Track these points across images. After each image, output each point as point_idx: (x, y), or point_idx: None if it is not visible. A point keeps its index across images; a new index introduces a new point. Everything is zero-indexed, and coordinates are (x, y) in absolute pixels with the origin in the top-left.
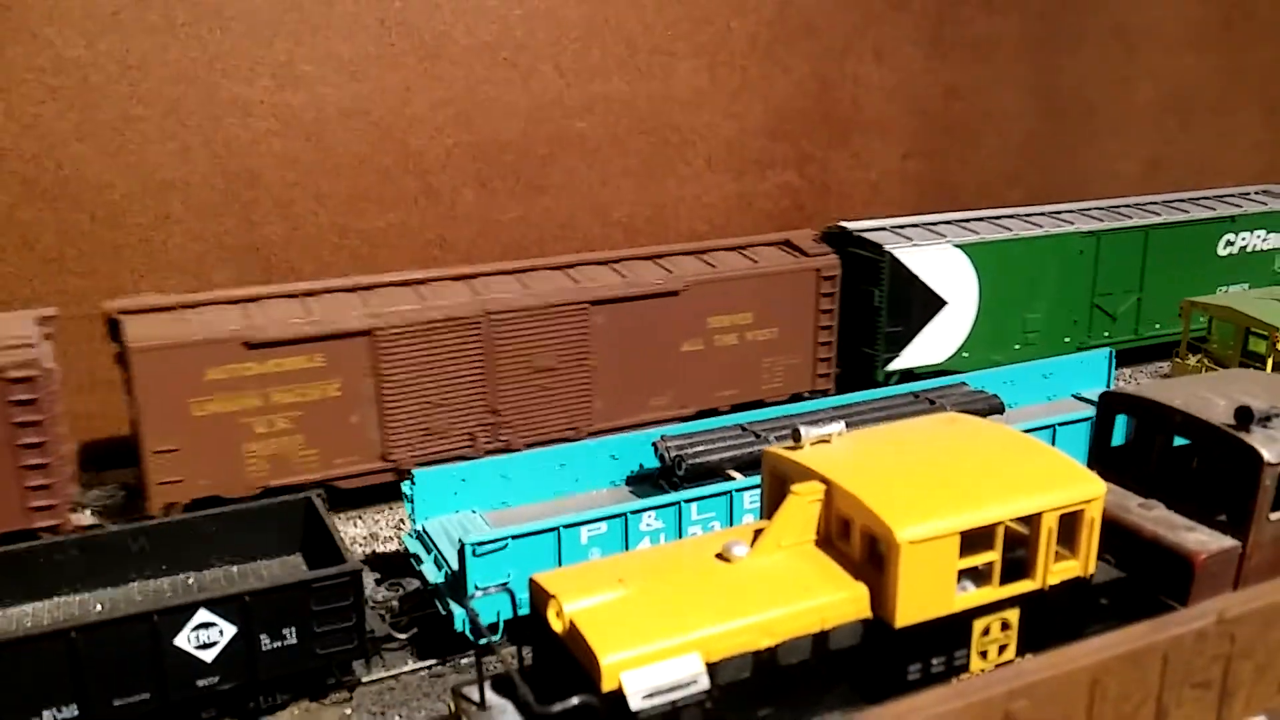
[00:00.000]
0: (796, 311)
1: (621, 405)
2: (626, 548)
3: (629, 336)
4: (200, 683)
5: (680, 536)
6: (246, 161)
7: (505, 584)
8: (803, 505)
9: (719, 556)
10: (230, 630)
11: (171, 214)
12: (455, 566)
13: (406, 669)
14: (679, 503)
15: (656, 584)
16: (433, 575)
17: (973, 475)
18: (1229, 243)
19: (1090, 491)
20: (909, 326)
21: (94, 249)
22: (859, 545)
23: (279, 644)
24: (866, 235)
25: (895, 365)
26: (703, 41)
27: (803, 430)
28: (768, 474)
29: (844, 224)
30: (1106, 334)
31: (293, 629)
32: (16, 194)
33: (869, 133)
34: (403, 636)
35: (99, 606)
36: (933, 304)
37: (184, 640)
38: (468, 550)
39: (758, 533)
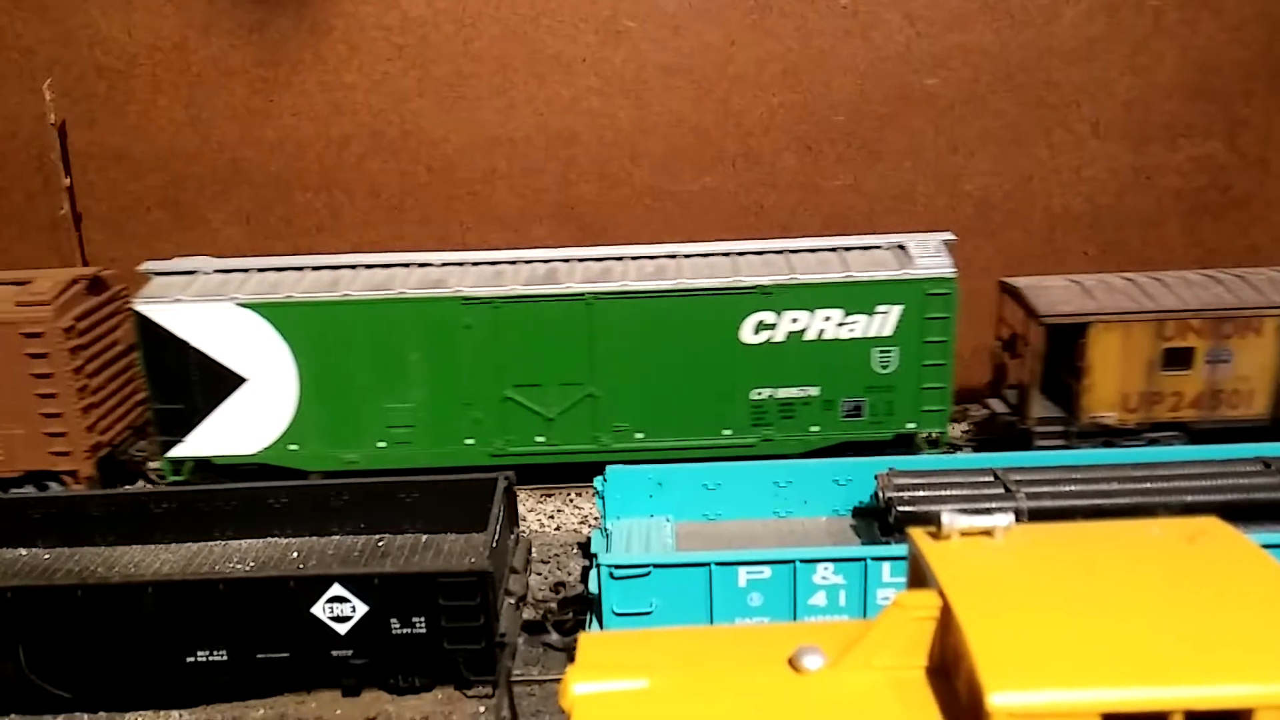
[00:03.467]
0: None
1: None
2: (794, 599)
3: None
4: (334, 653)
5: (865, 600)
6: (566, 120)
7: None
8: (907, 621)
9: (791, 662)
10: (362, 608)
11: (497, 169)
12: (594, 586)
13: (553, 676)
14: (865, 559)
15: (689, 683)
16: (593, 584)
17: (1174, 627)
18: (763, 324)
19: None
20: (191, 405)
21: (429, 199)
22: (966, 694)
23: (408, 630)
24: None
25: (180, 452)
26: None
27: (948, 518)
28: (911, 559)
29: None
30: (541, 439)
31: (423, 619)
32: (367, 145)
33: None
34: (556, 640)
35: (297, 553)
36: (222, 378)
37: (320, 610)
38: (603, 571)
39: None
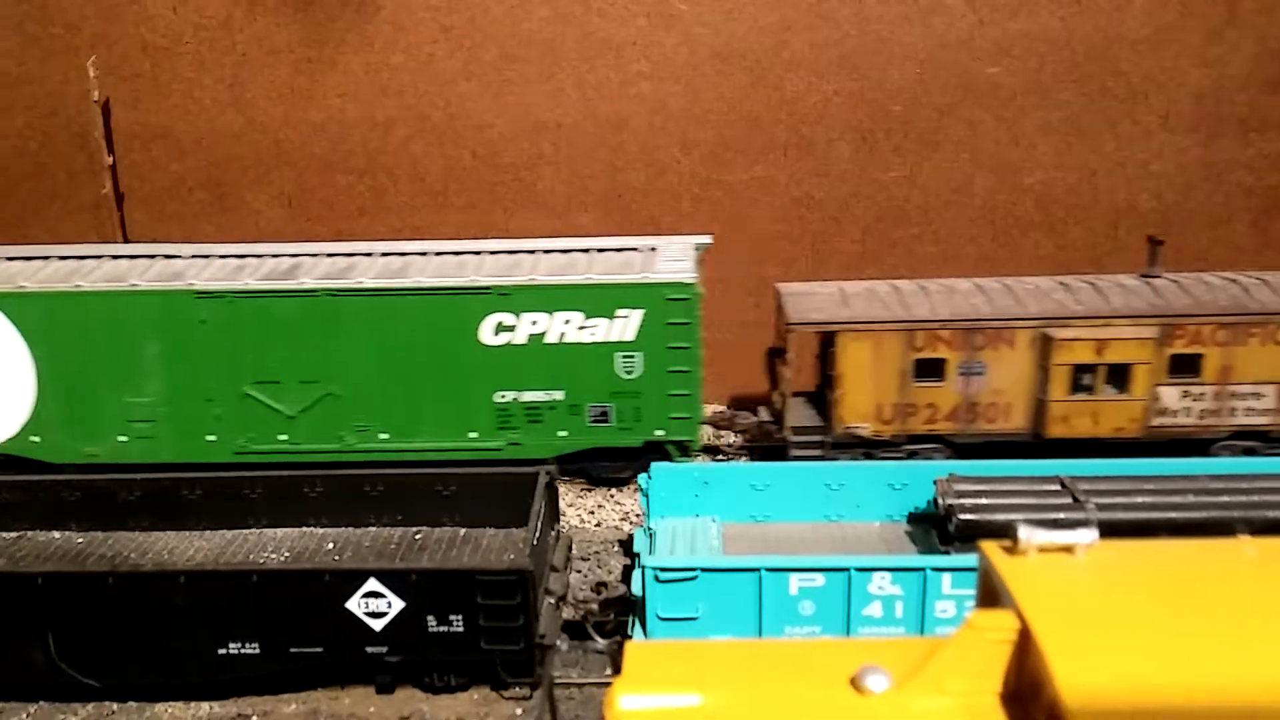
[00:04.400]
0: None
1: None
2: (848, 609)
3: None
4: (369, 649)
5: (923, 611)
6: (615, 105)
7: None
8: (980, 643)
9: (853, 682)
10: (399, 604)
11: (543, 155)
12: (637, 588)
13: (594, 679)
14: (925, 569)
15: (744, 702)
16: (636, 585)
17: (1277, 658)
18: (502, 326)
19: None
20: None
21: (473, 185)
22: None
23: (445, 628)
24: None
25: None
26: None
27: (1025, 532)
28: (982, 574)
29: None
30: (283, 437)
31: (460, 617)
32: (412, 129)
33: None
34: (602, 643)
35: (331, 544)
36: None
37: (355, 605)
38: (648, 573)
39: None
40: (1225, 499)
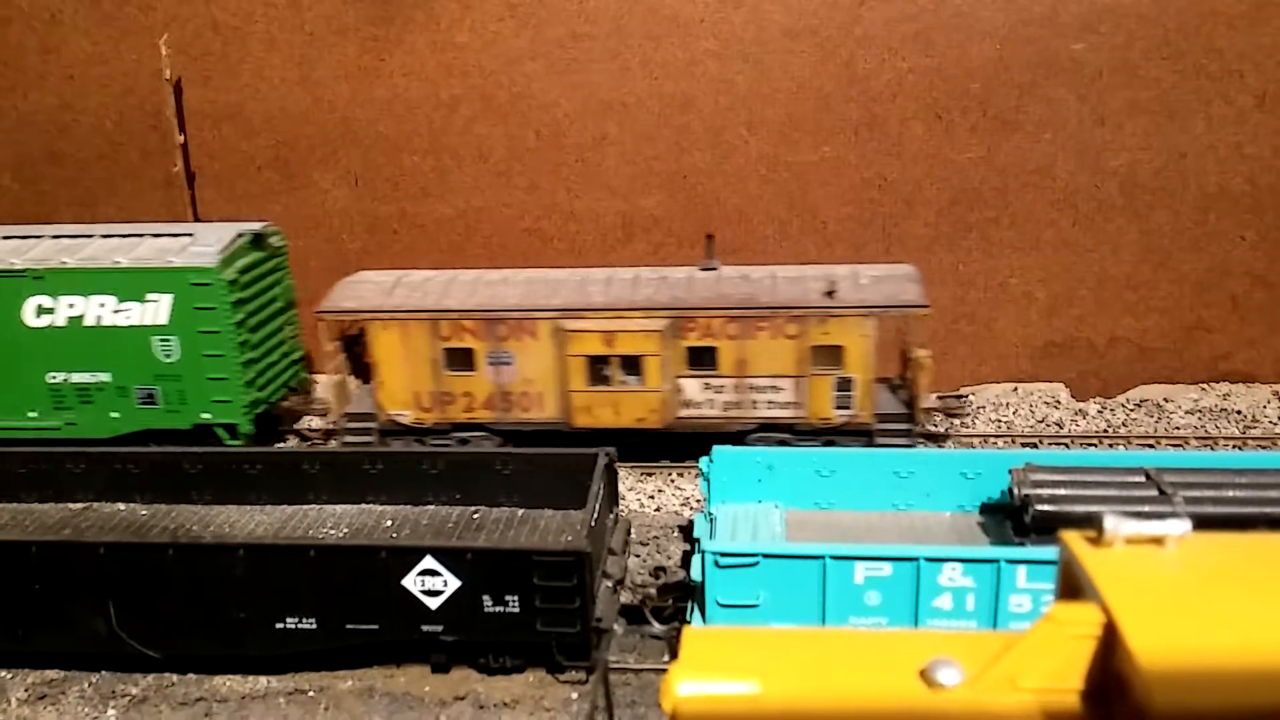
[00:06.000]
0: None
1: None
2: (916, 600)
3: None
4: (425, 627)
5: (996, 604)
6: (681, 84)
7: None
8: (1062, 637)
9: (923, 674)
10: (455, 583)
11: (608, 135)
12: (697, 573)
13: (650, 665)
14: (999, 561)
15: (806, 691)
16: (696, 570)
17: None
18: (43, 308)
19: None
20: None
21: (537, 166)
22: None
23: (501, 609)
24: None
25: None
26: None
27: (1111, 521)
28: (1063, 566)
29: None
30: None
31: (516, 598)
32: (476, 108)
33: None
34: (659, 628)
35: (389, 521)
36: None
37: (411, 582)
38: (708, 559)
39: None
40: None
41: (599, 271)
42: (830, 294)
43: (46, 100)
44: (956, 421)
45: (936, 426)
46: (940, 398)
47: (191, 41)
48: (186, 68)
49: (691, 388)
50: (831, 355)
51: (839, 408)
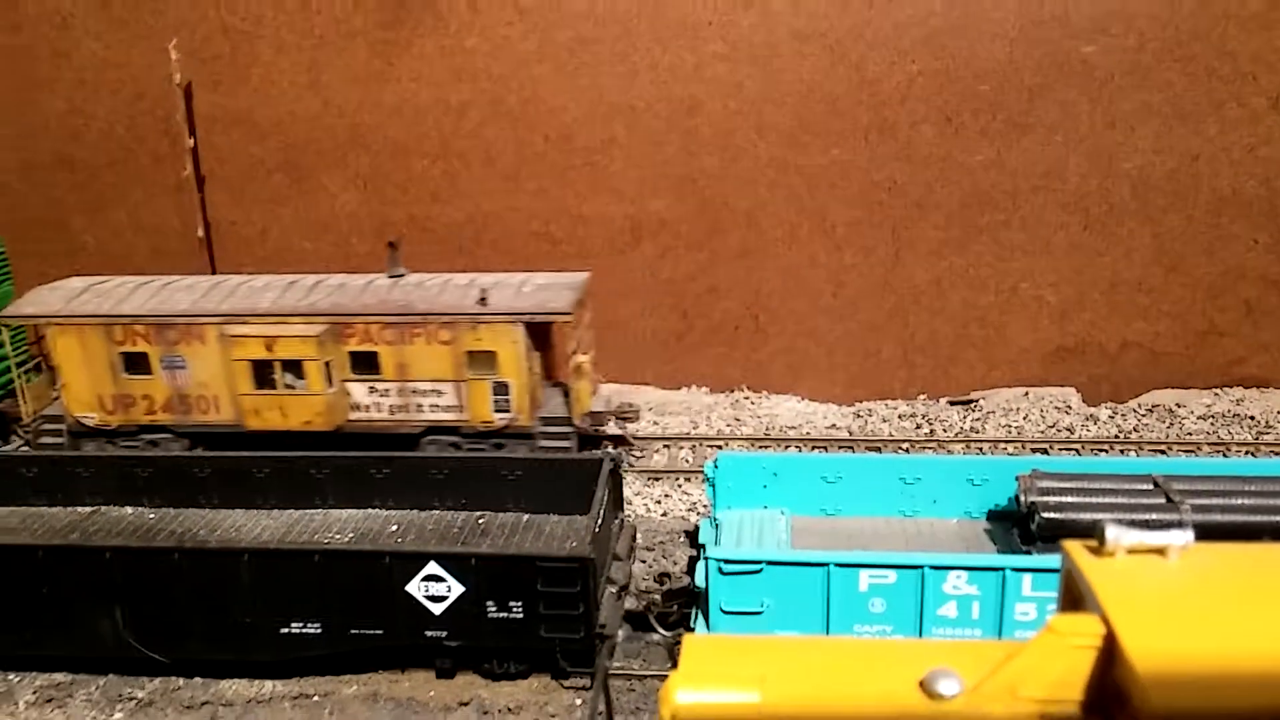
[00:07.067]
0: None
1: None
2: (921, 608)
3: None
4: (428, 633)
5: (1001, 614)
6: (690, 88)
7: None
8: (1061, 649)
9: (922, 685)
10: (458, 589)
11: (616, 139)
12: (701, 580)
13: (654, 671)
14: (1004, 569)
15: (805, 701)
16: (700, 577)
17: None
18: None
19: None
20: None
21: (545, 170)
22: None
23: (505, 615)
24: None
25: None
26: None
27: (1113, 531)
28: (1065, 576)
29: None
30: None
31: (520, 604)
32: (485, 112)
33: None
34: (664, 634)
35: (395, 526)
36: None
37: (415, 588)
38: (712, 565)
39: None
40: None
41: (281, 279)
42: (482, 301)
43: (57, 104)
44: (630, 426)
45: (604, 429)
46: (618, 407)
47: (201, 45)
48: (196, 71)
49: (359, 391)
50: (486, 361)
51: (498, 411)
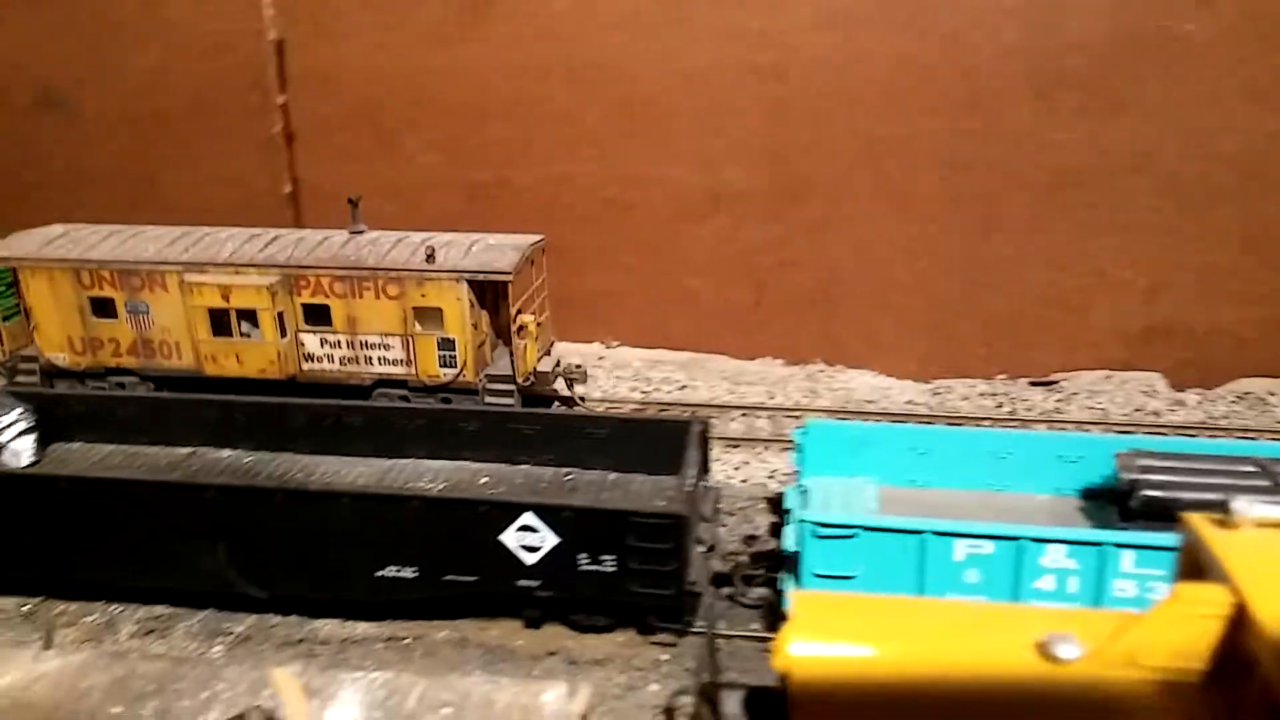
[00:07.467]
0: None
1: None
2: (1017, 581)
3: None
4: (520, 582)
5: (1101, 589)
6: (774, 55)
7: None
8: (1187, 617)
9: (1040, 647)
10: (553, 540)
11: (699, 107)
12: (791, 543)
13: (742, 632)
14: (1106, 544)
15: (923, 657)
16: (789, 540)
17: None
18: None
19: None
20: None
21: (626, 135)
22: (1261, 705)
23: (596, 568)
24: None
25: None
26: None
27: (1241, 504)
28: (1186, 549)
29: None
30: None
31: (613, 557)
32: (566, 76)
33: None
34: (751, 595)
35: (485, 479)
36: None
37: (509, 537)
38: (805, 530)
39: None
40: None
41: (245, 231)
42: (430, 258)
43: (149, 59)
44: (578, 387)
45: (551, 389)
46: (566, 368)
47: (293, 3)
48: (288, 29)
49: (311, 342)
50: (433, 317)
51: (444, 366)
